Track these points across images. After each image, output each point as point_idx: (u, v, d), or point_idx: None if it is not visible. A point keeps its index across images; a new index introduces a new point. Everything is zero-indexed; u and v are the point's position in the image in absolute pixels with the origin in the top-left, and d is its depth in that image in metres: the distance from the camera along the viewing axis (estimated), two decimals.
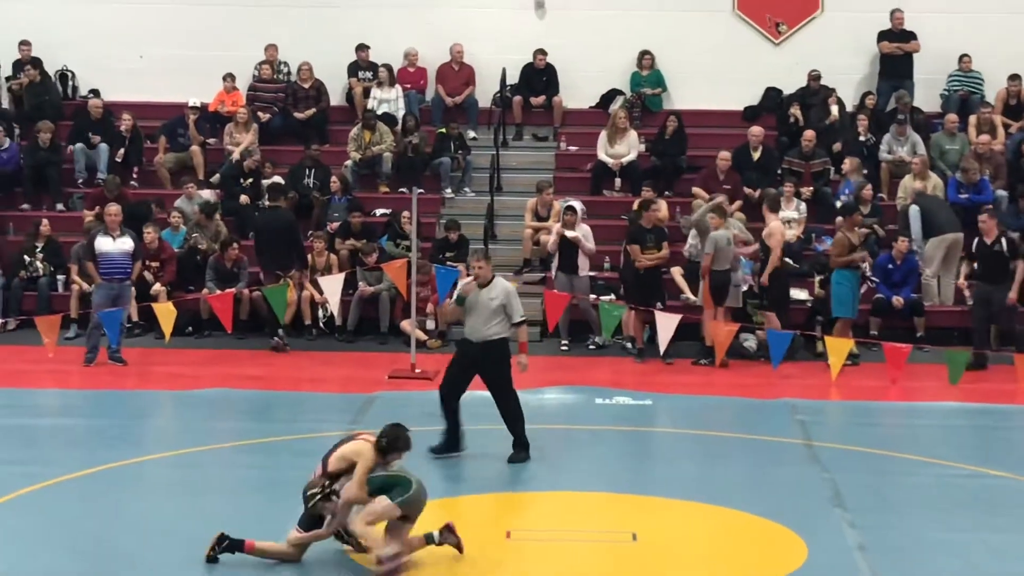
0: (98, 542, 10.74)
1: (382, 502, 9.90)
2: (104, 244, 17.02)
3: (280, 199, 18.55)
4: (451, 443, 12.78)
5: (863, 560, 10.36)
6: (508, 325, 12.75)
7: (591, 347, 18.17)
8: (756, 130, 20.58)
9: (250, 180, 20.36)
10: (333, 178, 20.18)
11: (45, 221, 19.50)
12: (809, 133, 20.28)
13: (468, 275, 13.57)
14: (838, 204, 19.13)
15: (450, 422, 12.79)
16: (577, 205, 18.69)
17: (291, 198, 19.25)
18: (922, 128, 20.87)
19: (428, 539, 10.09)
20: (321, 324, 18.64)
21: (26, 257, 19.31)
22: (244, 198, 20.13)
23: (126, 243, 17.11)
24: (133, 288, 17.41)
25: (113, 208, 17.30)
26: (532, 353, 17.88)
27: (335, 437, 13.40)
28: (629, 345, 17.93)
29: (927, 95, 21.82)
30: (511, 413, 12.84)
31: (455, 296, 13.03)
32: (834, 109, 21.05)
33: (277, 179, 19.99)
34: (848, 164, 19.85)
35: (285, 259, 17.87)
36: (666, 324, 16.70)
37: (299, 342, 18.21)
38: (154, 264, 18.61)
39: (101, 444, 13.46)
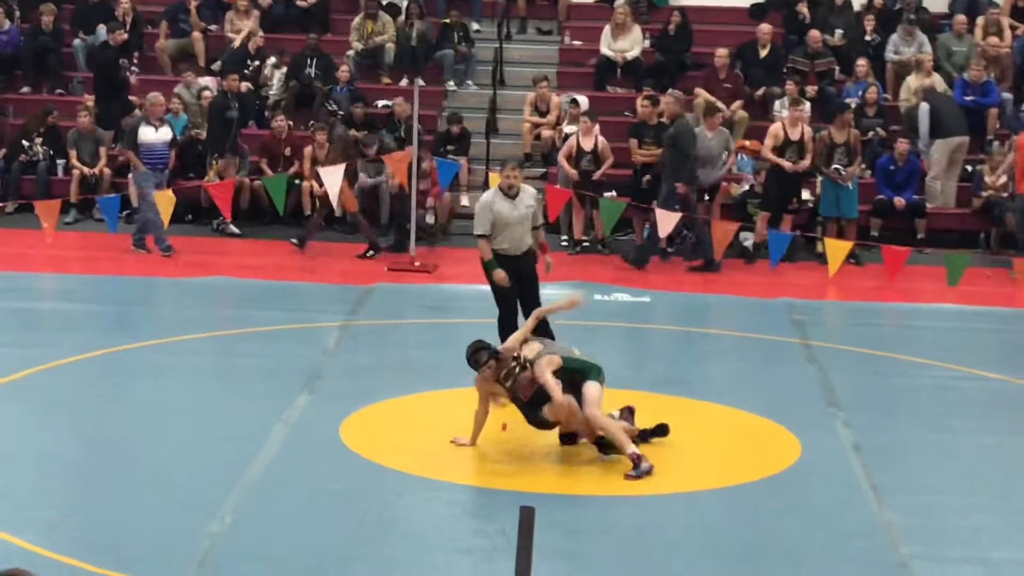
0: (97, 425, 10.82)
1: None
2: (147, 134, 16.98)
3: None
4: None
5: (856, 460, 10.42)
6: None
7: (588, 244, 18.10)
8: (765, 27, 20.33)
9: (256, 64, 20.17)
10: (343, 68, 20.01)
11: (56, 112, 19.33)
12: (815, 33, 20.07)
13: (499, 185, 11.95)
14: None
15: None
16: (580, 99, 18.52)
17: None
18: (929, 28, 20.68)
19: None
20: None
21: (25, 141, 19.20)
22: (245, 85, 19.94)
23: (166, 133, 17.13)
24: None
25: (158, 97, 17.25)
26: None
27: (333, 328, 13.54)
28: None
29: None
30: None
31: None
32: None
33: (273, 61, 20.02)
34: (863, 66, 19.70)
35: (218, 146, 18.19)
36: (665, 220, 16.60)
37: (298, 232, 18.12)
38: None
39: (100, 329, 13.51)
